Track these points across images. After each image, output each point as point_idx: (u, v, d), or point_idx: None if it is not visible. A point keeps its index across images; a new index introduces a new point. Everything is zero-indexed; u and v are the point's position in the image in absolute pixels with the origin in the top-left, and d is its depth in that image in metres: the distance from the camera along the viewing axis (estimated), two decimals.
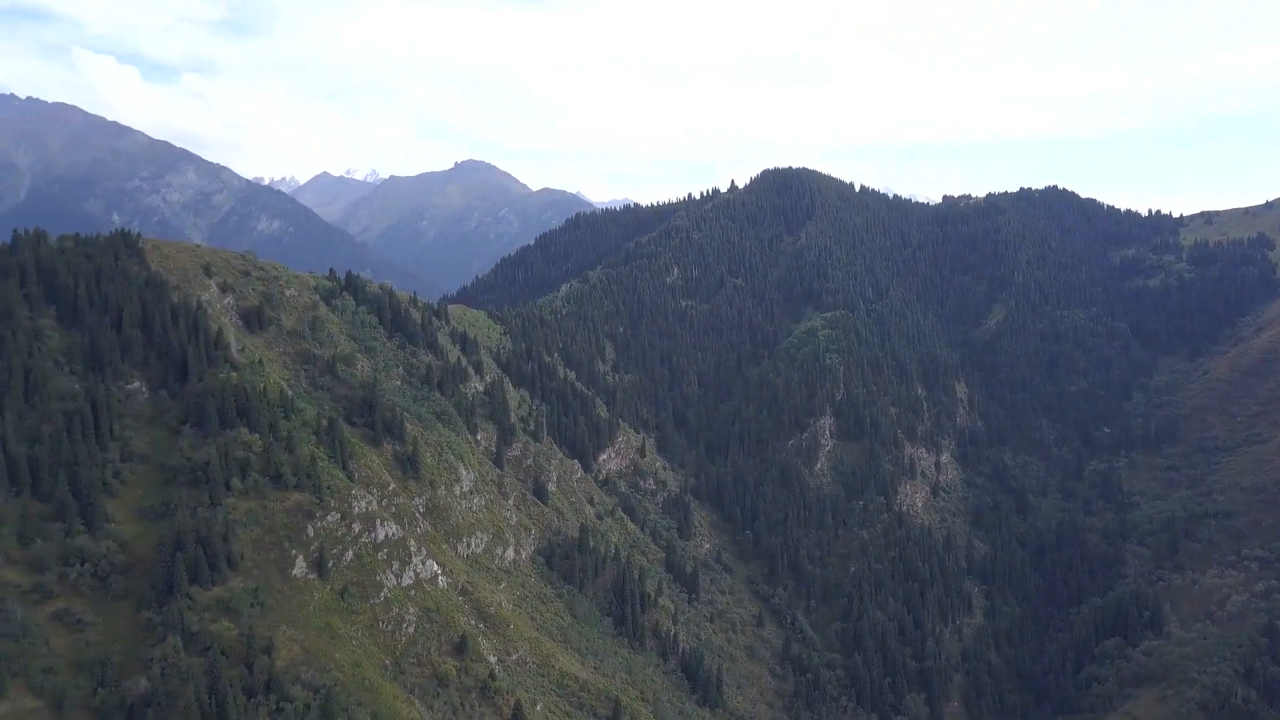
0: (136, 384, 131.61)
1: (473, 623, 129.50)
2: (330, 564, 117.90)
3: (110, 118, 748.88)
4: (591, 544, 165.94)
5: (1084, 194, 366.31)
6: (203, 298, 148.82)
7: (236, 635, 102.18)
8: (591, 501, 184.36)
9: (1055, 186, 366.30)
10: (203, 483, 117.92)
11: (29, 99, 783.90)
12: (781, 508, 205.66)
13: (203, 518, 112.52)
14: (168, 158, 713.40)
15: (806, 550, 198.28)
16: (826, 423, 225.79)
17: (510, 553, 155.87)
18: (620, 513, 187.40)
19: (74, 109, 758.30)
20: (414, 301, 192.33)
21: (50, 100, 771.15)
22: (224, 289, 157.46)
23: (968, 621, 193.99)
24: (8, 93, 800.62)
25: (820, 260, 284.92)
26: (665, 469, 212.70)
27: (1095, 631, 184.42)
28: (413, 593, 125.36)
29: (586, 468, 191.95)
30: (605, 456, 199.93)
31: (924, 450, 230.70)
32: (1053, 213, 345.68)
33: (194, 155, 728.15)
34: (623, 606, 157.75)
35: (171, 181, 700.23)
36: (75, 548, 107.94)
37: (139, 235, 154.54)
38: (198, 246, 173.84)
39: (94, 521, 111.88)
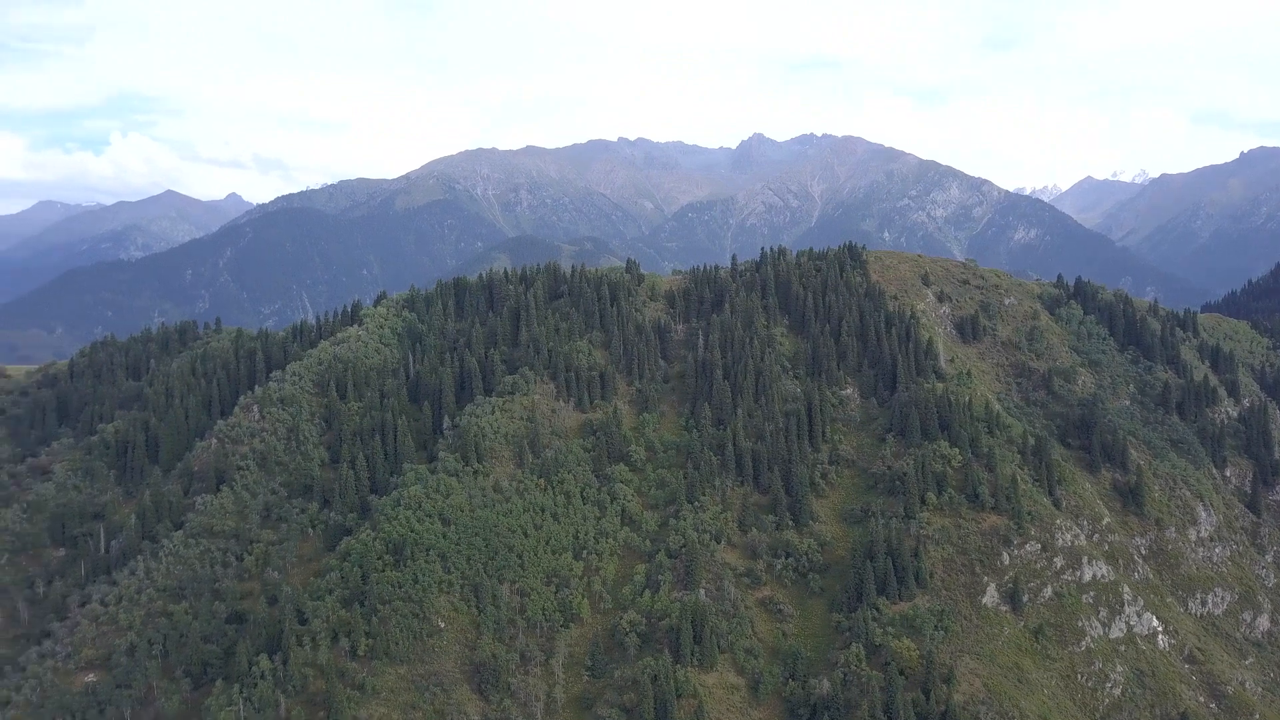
0: (849, 390, 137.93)
1: (1200, 699, 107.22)
2: (1025, 598, 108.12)
3: (887, 144, 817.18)
4: None
5: None
6: (918, 307, 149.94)
7: (917, 656, 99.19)
8: None
9: None
10: (899, 493, 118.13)
11: (824, 136, 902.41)
12: None
13: (896, 529, 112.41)
14: (933, 176, 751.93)
15: None
16: None
17: (1263, 621, 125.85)
18: None
19: (858, 140, 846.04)
20: (1154, 309, 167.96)
21: (840, 135, 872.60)
22: (940, 298, 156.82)
23: None
24: (809, 133, 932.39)
25: None
26: None
27: None
28: (1122, 648, 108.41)
29: None
30: None
31: None
32: None
33: (957, 171, 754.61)
34: None
35: (936, 198, 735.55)
36: (783, 541, 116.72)
37: (863, 247, 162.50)
38: (919, 256, 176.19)
39: (801, 518, 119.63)
